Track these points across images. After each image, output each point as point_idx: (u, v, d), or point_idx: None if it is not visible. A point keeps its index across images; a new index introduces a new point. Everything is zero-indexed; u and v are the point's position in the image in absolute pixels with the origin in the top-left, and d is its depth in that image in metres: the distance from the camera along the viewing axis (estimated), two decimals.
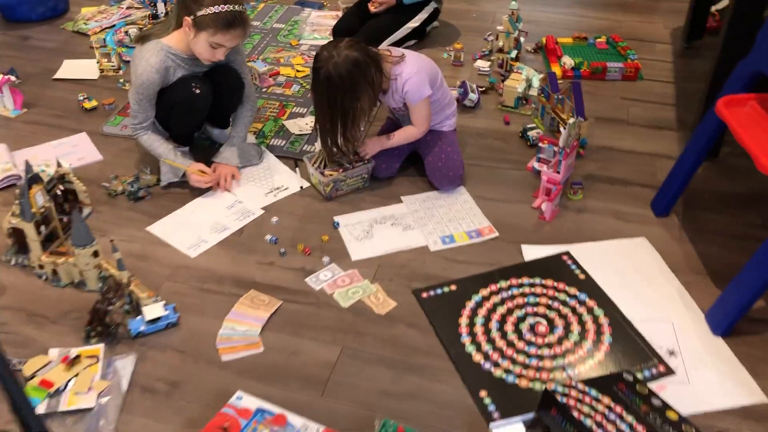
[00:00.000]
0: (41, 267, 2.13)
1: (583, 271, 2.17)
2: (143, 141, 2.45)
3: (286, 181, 2.57)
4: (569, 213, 2.41)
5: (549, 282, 2.13)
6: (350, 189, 2.52)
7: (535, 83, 3.02)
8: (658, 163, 2.64)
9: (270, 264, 2.22)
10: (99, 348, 1.88)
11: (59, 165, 2.37)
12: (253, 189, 2.54)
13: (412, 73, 2.33)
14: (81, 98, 3.02)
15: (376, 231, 2.34)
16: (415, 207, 2.45)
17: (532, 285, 2.12)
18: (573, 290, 2.10)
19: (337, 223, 2.36)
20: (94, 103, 2.99)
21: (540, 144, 2.42)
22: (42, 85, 3.18)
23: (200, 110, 2.49)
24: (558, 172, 2.40)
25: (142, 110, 2.39)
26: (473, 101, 2.96)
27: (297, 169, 2.61)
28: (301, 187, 2.53)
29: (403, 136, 2.50)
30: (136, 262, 2.19)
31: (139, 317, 1.95)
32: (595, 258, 2.22)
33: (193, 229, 2.35)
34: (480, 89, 3.04)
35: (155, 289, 2.09)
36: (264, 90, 3.13)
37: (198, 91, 2.39)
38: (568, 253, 2.24)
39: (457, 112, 2.68)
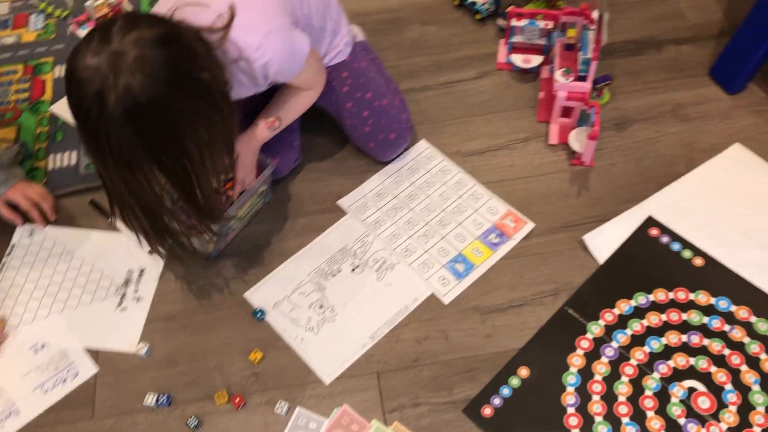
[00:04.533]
0: None
1: (693, 248, 1.29)
2: None
3: (121, 259, 1.36)
4: (607, 134, 1.46)
5: (660, 295, 1.24)
6: (246, 222, 1.38)
7: None
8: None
9: None
10: None
11: None
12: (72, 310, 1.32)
13: (266, 42, 1.12)
14: None
15: (333, 295, 1.28)
16: (372, 212, 1.38)
17: (639, 313, 1.23)
18: (703, 298, 1.24)
19: (260, 312, 1.26)
20: None
21: (511, 21, 1.38)
22: None
23: None
24: (582, 76, 1.39)
25: None
26: None
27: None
28: (150, 252, 1.35)
29: (295, 107, 1.33)
30: None
31: None
32: (694, 212, 1.34)
33: None
34: None
35: None
36: None
37: None
38: (651, 221, 1.33)
39: None
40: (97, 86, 0.90)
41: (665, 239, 1.31)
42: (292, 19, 1.21)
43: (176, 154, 0.99)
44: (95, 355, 1.23)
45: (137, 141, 0.94)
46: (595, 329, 1.21)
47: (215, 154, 1.05)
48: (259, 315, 1.25)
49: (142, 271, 1.33)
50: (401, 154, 1.44)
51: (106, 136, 0.93)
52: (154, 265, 1.33)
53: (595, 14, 1.28)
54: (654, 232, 1.32)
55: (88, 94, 0.91)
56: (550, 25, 1.52)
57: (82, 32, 1.69)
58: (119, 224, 1.36)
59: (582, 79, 1.40)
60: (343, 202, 1.40)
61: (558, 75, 1.40)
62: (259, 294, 1.29)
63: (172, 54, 0.95)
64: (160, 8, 1.11)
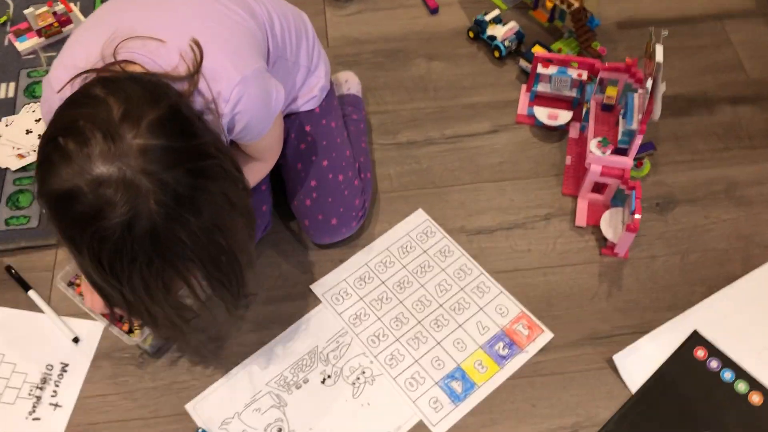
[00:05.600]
0: None
1: (749, 380, 1.04)
2: None
3: (40, 350, 1.10)
4: (646, 217, 1.19)
5: None
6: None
7: None
8: (732, 31, 1.41)
9: None
10: None
11: None
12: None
13: (240, 91, 0.87)
14: None
15: (296, 415, 1.02)
16: (352, 302, 1.11)
17: None
18: None
19: None
20: None
21: (538, 67, 1.14)
22: None
23: None
24: (621, 149, 1.13)
25: None
26: None
27: (46, 306, 1.13)
28: (75, 339, 1.09)
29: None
30: None
31: None
32: (752, 328, 1.08)
33: None
34: None
35: None
36: None
37: None
38: (697, 338, 1.07)
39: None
40: (121, 209, 0.69)
41: (714, 364, 1.05)
42: (263, 58, 0.95)
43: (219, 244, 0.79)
44: None
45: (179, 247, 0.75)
46: None
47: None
48: None
49: (64, 368, 1.06)
50: (342, 241, 1.17)
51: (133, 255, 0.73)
52: (81, 360, 1.07)
53: (648, 83, 1.02)
54: (700, 353, 1.06)
55: (109, 218, 0.69)
56: (584, 75, 1.24)
57: (21, 45, 1.41)
58: (42, 305, 1.10)
59: (622, 152, 1.13)
60: (317, 288, 1.13)
61: (593, 146, 1.13)
62: (205, 407, 1.03)
63: (189, 138, 0.74)
64: (88, 42, 0.85)
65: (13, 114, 1.34)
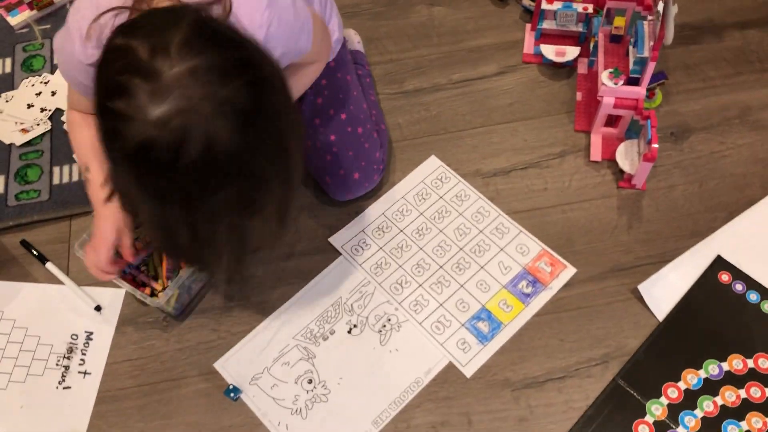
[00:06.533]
0: None
1: None
2: None
3: (63, 321, 1.09)
4: (662, 146, 1.18)
5: (737, 363, 0.99)
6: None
7: None
8: None
9: None
10: None
11: None
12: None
13: (270, 15, 0.84)
14: None
15: (325, 366, 1.02)
16: (372, 252, 1.11)
17: (710, 388, 0.97)
18: None
19: (233, 390, 1.00)
20: None
21: (542, 4, 1.14)
22: None
23: None
24: (634, 78, 1.11)
25: None
26: None
27: (67, 276, 1.12)
28: (97, 308, 1.08)
29: (295, 87, 1.01)
30: None
31: None
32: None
33: None
34: None
35: None
36: None
37: None
38: (721, 263, 1.07)
39: None
40: (195, 138, 0.66)
41: (739, 287, 1.05)
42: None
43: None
44: None
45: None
46: (657, 410, 0.96)
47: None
48: (232, 394, 1.00)
49: (89, 336, 1.06)
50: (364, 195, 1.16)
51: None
52: (105, 328, 1.07)
53: (660, 6, 0.99)
54: (725, 277, 1.06)
55: (189, 151, 0.66)
56: (590, 8, 1.22)
57: (14, 20, 1.38)
58: (62, 276, 1.09)
59: (634, 82, 1.11)
60: (335, 240, 1.13)
61: (604, 77, 1.11)
62: (233, 364, 1.03)
63: (226, 50, 0.70)
64: None
65: (12, 89, 1.32)
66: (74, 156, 1.15)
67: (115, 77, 0.68)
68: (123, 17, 0.79)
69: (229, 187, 0.71)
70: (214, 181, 0.69)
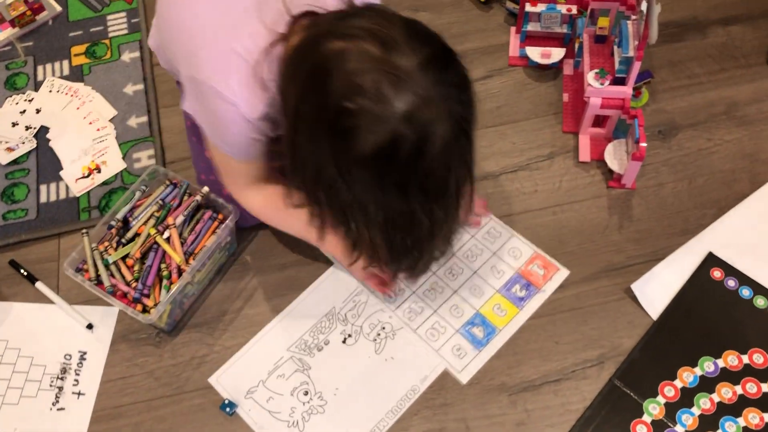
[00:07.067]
0: None
1: (766, 293, 1.04)
2: None
3: (56, 341, 1.08)
4: (650, 145, 1.18)
5: (732, 359, 0.99)
6: (206, 283, 1.10)
7: None
8: None
9: None
10: None
11: None
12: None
13: None
14: None
15: (321, 377, 1.02)
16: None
17: (706, 385, 0.98)
18: None
19: (229, 404, 0.99)
20: None
21: (525, 6, 1.15)
22: None
23: None
24: (620, 78, 1.11)
25: None
26: None
27: (58, 297, 1.12)
28: (89, 326, 1.07)
29: None
30: None
31: None
32: (765, 244, 1.08)
33: None
34: None
35: None
36: None
37: None
38: (712, 259, 1.07)
39: None
40: (440, 129, 0.69)
41: (732, 283, 1.05)
42: None
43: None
44: None
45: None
46: (654, 409, 0.96)
47: None
48: (228, 408, 0.99)
49: (82, 356, 1.05)
50: None
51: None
52: (98, 346, 1.06)
53: (643, 5, 1.00)
54: (717, 273, 1.06)
55: (433, 142, 0.69)
56: (574, 9, 1.22)
57: None
58: (52, 296, 1.08)
59: (620, 81, 1.12)
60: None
61: (590, 78, 1.11)
62: (228, 378, 1.02)
63: (438, 40, 0.75)
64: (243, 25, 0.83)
65: None
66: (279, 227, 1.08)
67: (350, 78, 0.68)
68: (275, 52, 0.80)
69: (457, 174, 0.74)
70: (447, 171, 0.72)
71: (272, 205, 0.97)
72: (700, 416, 0.95)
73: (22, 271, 1.12)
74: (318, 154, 0.73)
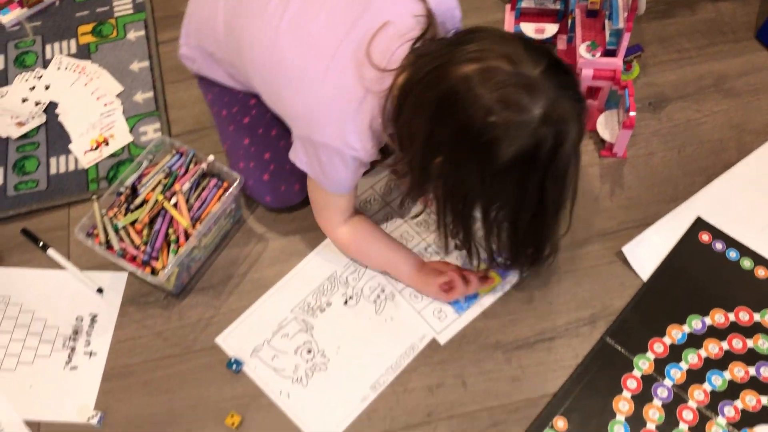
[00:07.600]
0: None
1: (753, 256, 1.08)
2: None
3: (68, 304, 1.12)
4: (640, 116, 1.22)
5: (719, 317, 1.03)
6: (212, 248, 1.14)
7: None
8: None
9: None
10: None
11: None
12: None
13: None
14: None
15: (323, 336, 1.05)
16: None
17: (694, 342, 1.02)
18: None
19: (235, 363, 1.03)
20: None
21: None
22: None
23: None
24: (610, 50, 1.15)
25: None
26: None
27: (67, 261, 1.15)
28: (99, 290, 1.11)
29: None
30: None
31: None
32: (751, 209, 1.12)
33: None
34: None
35: None
36: None
37: None
38: (700, 224, 1.11)
39: None
40: (570, 128, 0.80)
41: (719, 246, 1.09)
42: None
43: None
44: (36, 428, 1.01)
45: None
46: (644, 364, 1.00)
47: None
48: (234, 366, 1.03)
49: (93, 318, 1.09)
50: None
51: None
52: (108, 309, 1.10)
53: None
54: (705, 237, 1.10)
55: (567, 140, 0.80)
56: None
57: (5, 18, 1.41)
58: (63, 262, 1.12)
59: (611, 53, 1.15)
60: None
61: (582, 50, 1.15)
62: (234, 338, 1.06)
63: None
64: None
65: (7, 85, 1.34)
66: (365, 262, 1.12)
67: (489, 95, 0.76)
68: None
69: (573, 165, 0.84)
70: (577, 156, 0.84)
71: (360, 236, 1.07)
72: (688, 371, 0.99)
73: (34, 239, 1.16)
74: (462, 171, 0.82)
